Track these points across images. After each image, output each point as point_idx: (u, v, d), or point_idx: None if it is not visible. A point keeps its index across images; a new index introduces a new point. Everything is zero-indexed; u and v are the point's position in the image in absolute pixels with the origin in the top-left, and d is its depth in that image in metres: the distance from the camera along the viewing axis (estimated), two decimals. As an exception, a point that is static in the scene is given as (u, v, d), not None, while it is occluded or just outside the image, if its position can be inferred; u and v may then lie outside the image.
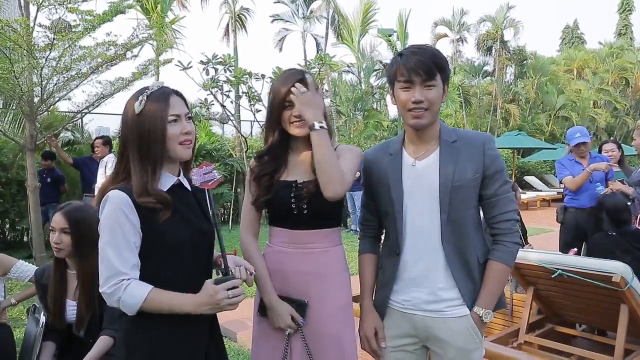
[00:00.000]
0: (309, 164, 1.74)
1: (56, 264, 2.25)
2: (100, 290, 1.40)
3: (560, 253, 3.84)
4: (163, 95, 1.45)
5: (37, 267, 2.75)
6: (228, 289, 1.41)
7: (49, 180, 7.27)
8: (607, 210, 3.46)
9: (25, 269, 2.68)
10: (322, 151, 1.62)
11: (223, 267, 1.46)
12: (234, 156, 11.09)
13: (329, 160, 1.61)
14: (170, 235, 1.45)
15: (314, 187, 1.70)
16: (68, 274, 2.26)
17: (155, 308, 1.41)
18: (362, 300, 1.83)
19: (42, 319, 2.22)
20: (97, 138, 7.35)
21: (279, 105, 1.73)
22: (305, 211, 1.73)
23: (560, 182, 4.71)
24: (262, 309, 1.77)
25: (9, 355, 2.56)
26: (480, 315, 1.61)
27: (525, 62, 26.90)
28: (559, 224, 4.66)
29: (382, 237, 1.88)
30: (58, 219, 2.19)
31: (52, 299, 2.22)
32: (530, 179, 17.14)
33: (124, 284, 1.38)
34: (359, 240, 1.92)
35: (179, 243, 1.47)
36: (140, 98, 1.43)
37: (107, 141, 6.94)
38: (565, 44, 42.49)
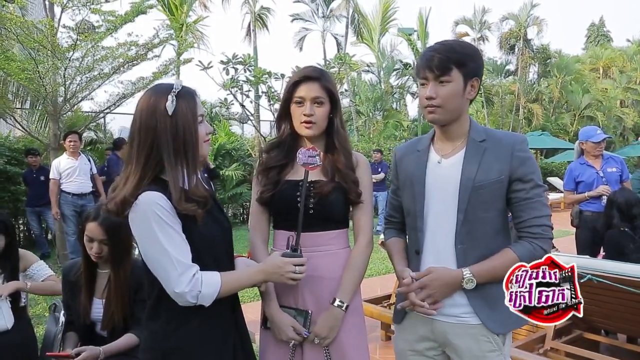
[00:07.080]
0: None
1: (86, 262, 2.24)
2: (175, 291, 1.34)
3: (589, 257, 3.73)
4: (190, 94, 1.43)
5: (52, 268, 2.76)
6: (295, 265, 1.49)
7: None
8: (619, 206, 3.41)
9: (43, 268, 2.68)
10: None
11: (294, 244, 1.55)
12: (253, 156, 11.11)
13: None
14: (206, 233, 1.44)
15: (321, 187, 1.66)
16: (98, 273, 2.26)
17: (227, 290, 1.43)
18: (396, 266, 1.70)
19: (62, 318, 2.22)
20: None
21: (288, 99, 1.71)
22: (312, 211, 1.65)
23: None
24: (266, 322, 1.71)
25: (30, 352, 2.58)
26: (464, 276, 1.51)
27: (549, 60, 26.41)
28: (574, 228, 4.52)
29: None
30: (95, 230, 2.14)
31: (81, 296, 2.22)
32: (554, 180, 16.74)
33: (199, 277, 1.36)
34: (382, 234, 1.86)
35: (213, 240, 1.47)
36: (170, 98, 1.38)
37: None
38: (591, 42, 41.58)
